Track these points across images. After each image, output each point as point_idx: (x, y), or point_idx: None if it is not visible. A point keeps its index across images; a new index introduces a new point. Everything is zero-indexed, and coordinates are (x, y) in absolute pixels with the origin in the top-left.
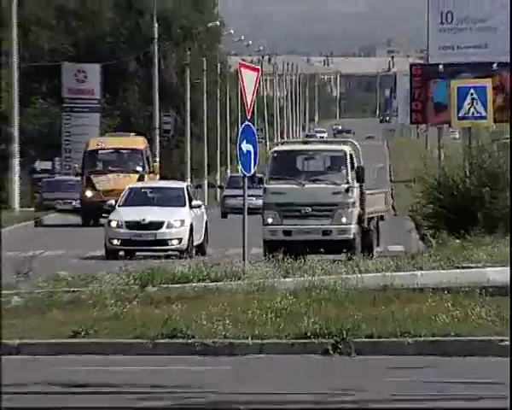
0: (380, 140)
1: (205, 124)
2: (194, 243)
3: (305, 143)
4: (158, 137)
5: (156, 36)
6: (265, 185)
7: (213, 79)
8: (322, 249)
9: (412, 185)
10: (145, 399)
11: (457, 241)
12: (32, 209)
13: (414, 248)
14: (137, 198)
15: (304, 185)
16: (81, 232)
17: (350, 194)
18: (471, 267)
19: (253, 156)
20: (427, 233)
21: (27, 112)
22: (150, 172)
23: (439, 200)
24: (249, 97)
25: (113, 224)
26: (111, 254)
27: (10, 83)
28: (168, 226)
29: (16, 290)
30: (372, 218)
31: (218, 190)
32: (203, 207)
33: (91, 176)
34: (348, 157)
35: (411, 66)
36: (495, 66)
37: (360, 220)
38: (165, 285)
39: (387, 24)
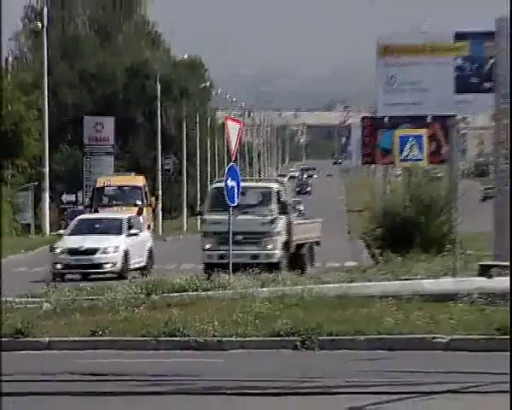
0: (337, 177)
1: (198, 165)
2: (136, 266)
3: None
4: (160, 176)
5: (159, 95)
6: (204, 217)
7: (204, 130)
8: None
9: (363, 213)
10: (150, 385)
11: (399, 258)
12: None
13: (365, 264)
14: (82, 228)
15: (236, 217)
16: None
17: (275, 224)
18: (410, 279)
19: (236, 190)
20: (376, 252)
21: (56, 156)
22: (148, 205)
23: (385, 225)
24: (233, 144)
25: (58, 250)
26: (55, 276)
27: (42, 133)
28: (103, 252)
29: (46, 298)
30: (304, 244)
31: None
32: (148, 234)
33: (98, 208)
34: (274, 193)
35: (363, 118)
36: (429, 119)
37: (287, 246)
38: (165, 294)
39: (345, 84)
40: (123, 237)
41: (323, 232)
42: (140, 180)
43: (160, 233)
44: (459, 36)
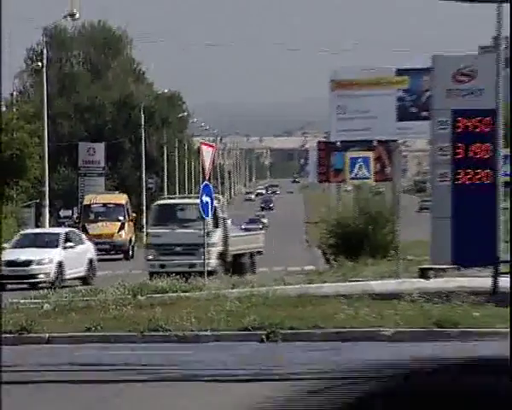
0: (297, 193)
1: (177, 184)
2: (74, 276)
3: (182, 198)
4: (144, 193)
5: (143, 124)
6: (148, 230)
7: (182, 153)
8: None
9: (319, 225)
10: (136, 374)
11: (350, 263)
12: None
13: (321, 268)
14: (24, 242)
15: (176, 230)
16: None
17: (210, 237)
18: (360, 281)
19: (210, 205)
20: (330, 258)
21: (55, 176)
22: (130, 220)
23: (338, 235)
24: (207, 166)
25: None
26: None
27: (42, 157)
28: (37, 264)
29: (47, 300)
30: (243, 253)
31: None
32: (90, 246)
33: (85, 224)
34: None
35: (318, 143)
36: (375, 143)
37: (222, 256)
38: (149, 295)
39: (304, 113)
40: (59, 249)
41: (285, 241)
42: (123, 198)
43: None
44: (400, 71)
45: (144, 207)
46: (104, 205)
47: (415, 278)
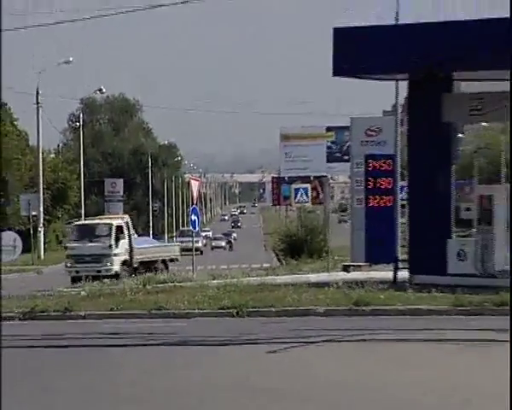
0: (257, 213)
1: (173, 207)
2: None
3: (94, 219)
4: (151, 214)
5: (150, 165)
6: (67, 245)
7: (177, 186)
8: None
9: (273, 235)
10: (145, 340)
11: (295, 261)
12: None
13: (274, 265)
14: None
15: (86, 244)
16: None
17: (113, 249)
18: (301, 274)
19: (197, 222)
20: (281, 258)
21: (88, 202)
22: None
23: (286, 242)
24: (195, 194)
25: None
26: None
27: (80, 188)
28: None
29: (83, 288)
30: (156, 260)
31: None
32: None
33: None
34: (114, 227)
35: (272, 178)
36: (311, 177)
37: (127, 263)
38: (154, 285)
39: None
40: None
41: (250, 247)
42: (119, 219)
43: None
44: (328, 128)
45: (151, 224)
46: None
47: (339, 271)
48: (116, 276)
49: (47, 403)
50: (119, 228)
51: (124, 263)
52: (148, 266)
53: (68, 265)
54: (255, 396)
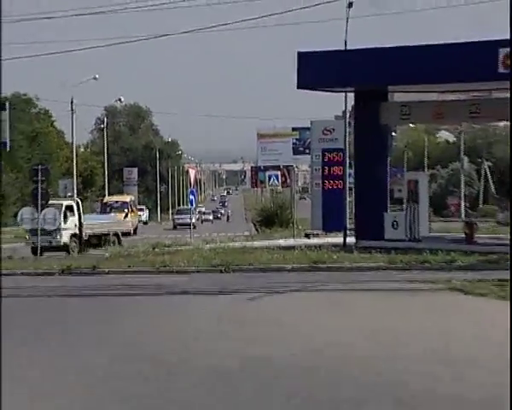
0: (240, 194)
1: (176, 190)
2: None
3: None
4: (159, 195)
5: (157, 157)
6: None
7: (179, 173)
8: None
9: (252, 210)
10: (153, 290)
11: (269, 230)
12: None
13: (253, 234)
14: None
15: (40, 220)
16: None
17: (63, 224)
18: (274, 239)
19: (194, 201)
20: (258, 228)
21: (111, 186)
22: (131, 212)
23: (261, 215)
24: (192, 179)
25: None
26: None
27: (104, 175)
28: None
29: (106, 251)
30: (106, 233)
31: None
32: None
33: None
34: (64, 206)
35: (251, 167)
36: (281, 167)
37: (76, 236)
38: (161, 248)
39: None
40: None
41: (234, 220)
42: (128, 198)
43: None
44: (294, 129)
45: (158, 202)
46: (116, 202)
47: (302, 238)
48: (66, 247)
49: (74, 330)
50: (69, 207)
51: (73, 236)
52: (100, 238)
53: (27, 238)
54: (235, 325)
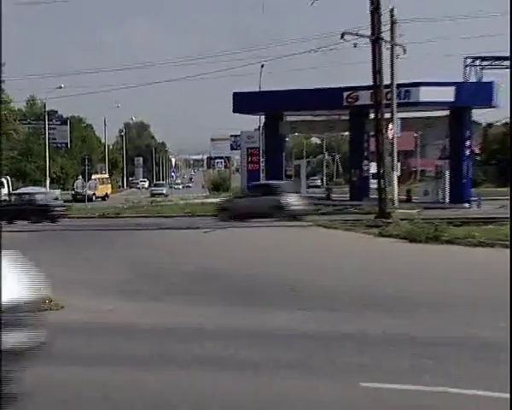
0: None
1: (164, 170)
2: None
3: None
4: (155, 173)
5: (153, 152)
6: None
7: (166, 162)
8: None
9: (207, 183)
10: (153, 227)
11: (217, 193)
12: None
13: (205, 195)
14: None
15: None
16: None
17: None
18: (220, 198)
19: (174, 176)
20: (210, 191)
21: (128, 169)
22: (108, 183)
23: (213, 184)
24: (173, 164)
25: None
26: None
27: (123, 165)
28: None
29: (126, 203)
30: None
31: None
32: None
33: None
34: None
35: (207, 157)
36: (224, 157)
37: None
38: (157, 203)
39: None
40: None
41: (197, 190)
42: (100, 176)
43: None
44: (232, 135)
45: (154, 180)
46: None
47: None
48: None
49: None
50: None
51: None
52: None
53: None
54: (195, 245)
